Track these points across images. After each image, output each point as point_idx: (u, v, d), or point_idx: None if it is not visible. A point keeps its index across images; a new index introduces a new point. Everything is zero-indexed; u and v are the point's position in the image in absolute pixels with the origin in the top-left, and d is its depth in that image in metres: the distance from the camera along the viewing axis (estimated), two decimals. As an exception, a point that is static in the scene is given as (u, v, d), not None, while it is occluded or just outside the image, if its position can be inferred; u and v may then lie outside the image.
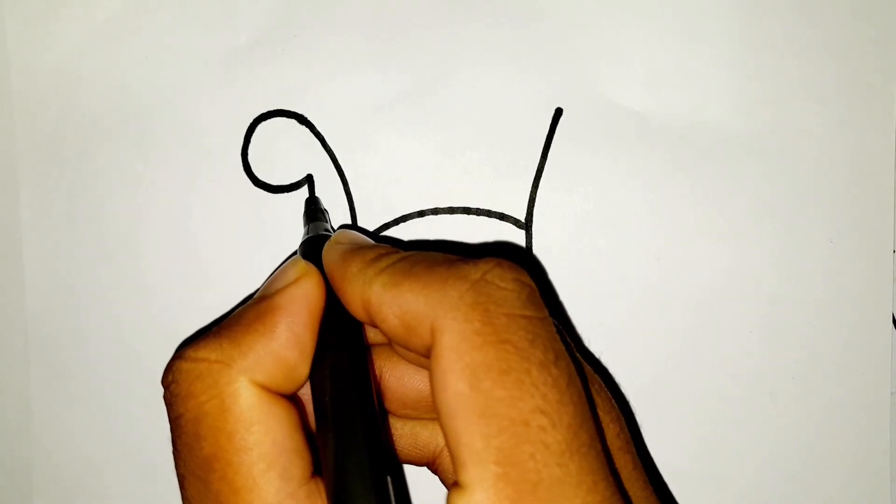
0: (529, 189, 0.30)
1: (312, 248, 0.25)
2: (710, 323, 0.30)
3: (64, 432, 0.32)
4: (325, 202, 0.30)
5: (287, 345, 0.20)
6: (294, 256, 0.23)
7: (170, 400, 0.20)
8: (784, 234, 0.30)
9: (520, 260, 0.30)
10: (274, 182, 0.31)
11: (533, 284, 0.20)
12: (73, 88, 0.31)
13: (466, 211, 0.30)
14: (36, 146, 0.31)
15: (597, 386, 0.22)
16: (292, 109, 0.30)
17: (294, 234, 0.30)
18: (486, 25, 0.30)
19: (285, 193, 0.31)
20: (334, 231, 0.29)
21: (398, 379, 0.24)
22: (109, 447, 0.32)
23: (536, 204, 0.30)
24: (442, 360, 0.18)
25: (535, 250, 0.30)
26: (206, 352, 0.20)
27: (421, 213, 0.30)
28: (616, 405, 0.23)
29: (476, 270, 0.19)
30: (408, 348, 0.20)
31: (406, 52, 0.30)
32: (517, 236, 0.30)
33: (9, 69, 0.31)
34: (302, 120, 0.30)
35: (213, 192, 0.31)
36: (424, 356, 0.19)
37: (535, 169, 0.30)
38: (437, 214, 0.30)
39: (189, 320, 0.31)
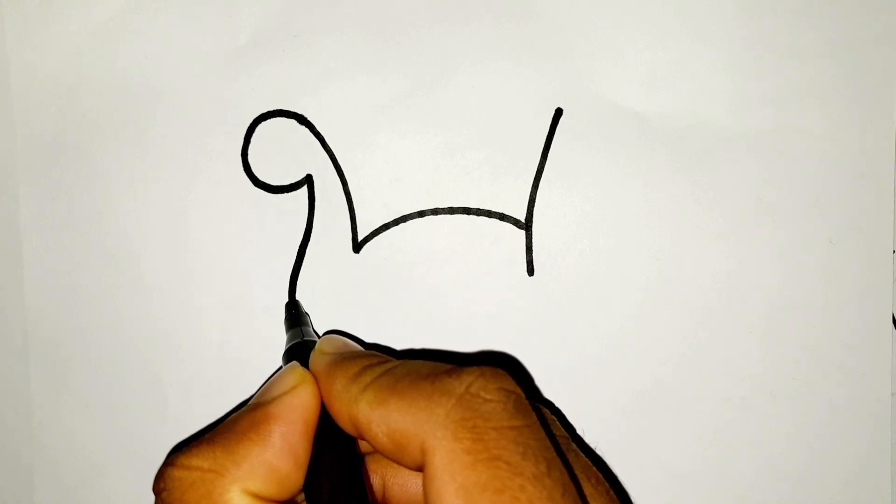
0: (529, 189, 0.30)
1: (298, 356, 0.25)
2: (711, 323, 0.30)
3: (64, 432, 0.32)
4: (325, 202, 0.30)
5: (281, 454, 0.20)
6: (292, 363, 0.23)
7: None
8: (784, 234, 0.30)
9: (507, 365, 0.30)
10: (274, 182, 0.31)
11: (518, 390, 0.20)
12: (73, 88, 0.31)
13: (466, 211, 0.30)
14: (36, 146, 0.31)
15: (594, 480, 0.22)
16: (292, 109, 0.30)
17: (294, 234, 0.30)
18: (486, 25, 0.30)
19: (285, 193, 0.31)
20: (318, 336, 0.29)
21: (402, 486, 0.24)
22: (110, 447, 0.32)
23: (536, 204, 0.30)
24: (435, 480, 0.18)
25: (535, 250, 0.30)
26: (199, 460, 0.20)
27: (421, 214, 0.30)
28: (615, 496, 0.22)
29: (460, 384, 0.19)
30: (400, 464, 0.20)
31: (406, 52, 0.30)
32: (517, 236, 0.30)
33: (9, 69, 0.31)
34: (302, 120, 0.30)
35: (213, 192, 0.31)
36: (417, 471, 0.19)
37: (535, 169, 0.30)
38: (437, 214, 0.30)
39: (189, 320, 0.31)
